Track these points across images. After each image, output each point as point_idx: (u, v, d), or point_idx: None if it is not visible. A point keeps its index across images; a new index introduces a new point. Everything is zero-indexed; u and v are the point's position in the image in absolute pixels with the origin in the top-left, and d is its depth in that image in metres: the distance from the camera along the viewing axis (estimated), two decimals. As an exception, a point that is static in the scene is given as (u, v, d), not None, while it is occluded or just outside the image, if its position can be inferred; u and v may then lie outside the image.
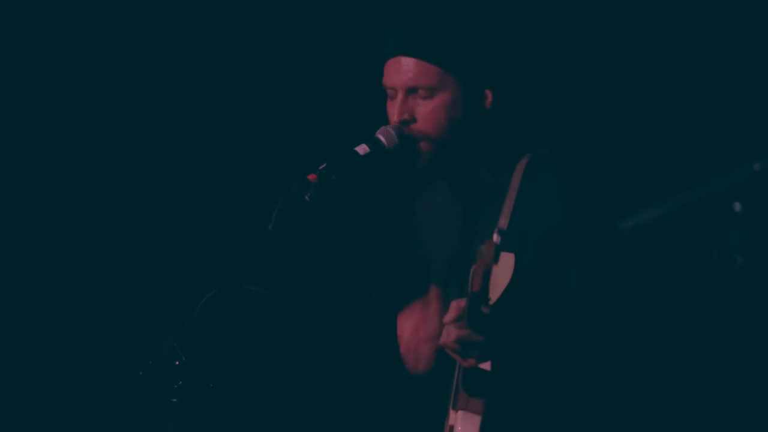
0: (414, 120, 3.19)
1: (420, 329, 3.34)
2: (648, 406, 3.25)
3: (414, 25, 3.20)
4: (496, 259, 2.85)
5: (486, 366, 3.03)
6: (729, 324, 4.14)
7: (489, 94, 3.20)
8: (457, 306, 2.95)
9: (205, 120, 4.77)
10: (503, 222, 3.14)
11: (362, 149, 3.16)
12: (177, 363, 2.98)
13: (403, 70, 3.17)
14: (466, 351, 2.93)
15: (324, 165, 3.13)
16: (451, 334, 2.92)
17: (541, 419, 3.11)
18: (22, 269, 4.78)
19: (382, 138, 3.17)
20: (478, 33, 3.20)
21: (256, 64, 4.79)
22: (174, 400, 2.99)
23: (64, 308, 4.78)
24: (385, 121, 3.23)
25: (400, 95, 3.19)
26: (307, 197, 3.09)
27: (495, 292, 2.96)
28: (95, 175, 4.77)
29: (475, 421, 3.03)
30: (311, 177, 3.11)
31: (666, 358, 4.21)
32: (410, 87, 3.18)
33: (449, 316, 2.95)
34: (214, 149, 4.78)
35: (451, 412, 3.11)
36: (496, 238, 2.84)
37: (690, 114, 4.32)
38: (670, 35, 4.33)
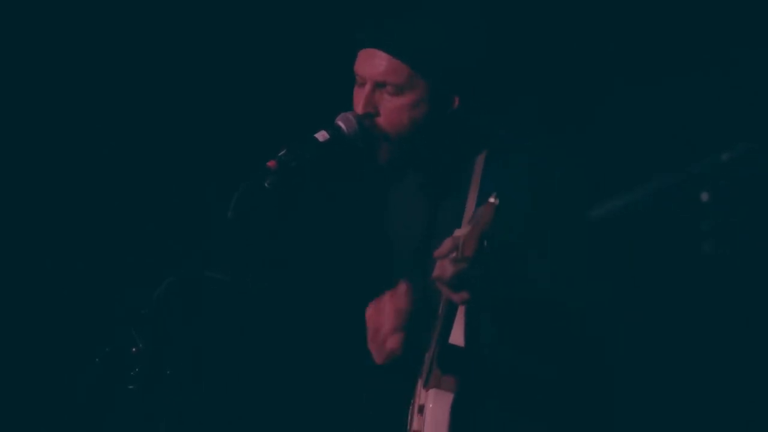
0: (377, 114, 3.19)
1: (389, 322, 3.31)
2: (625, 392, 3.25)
3: (395, 21, 3.20)
4: (495, 222, 2.78)
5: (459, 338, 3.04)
6: (698, 310, 4.14)
7: (457, 99, 3.19)
8: (451, 241, 2.86)
9: (165, 107, 4.74)
10: (471, 205, 3.14)
11: (322, 136, 3.17)
12: (134, 350, 2.98)
13: (375, 62, 3.18)
14: (460, 284, 2.85)
15: (283, 151, 3.13)
16: (447, 269, 2.85)
17: (514, 396, 3.12)
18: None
19: (341, 124, 3.18)
20: (457, 42, 3.19)
21: (217, 53, 4.76)
22: (130, 387, 2.99)
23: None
24: (347, 107, 3.23)
25: (367, 87, 3.20)
26: (266, 184, 3.09)
27: None
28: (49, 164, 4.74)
29: (447, 398, 3.05)
30: (271, 164, 3.11)
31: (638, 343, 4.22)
32: (379, 81, 3.18)
33: (442, 250, 2.88)
34: (174, 136, 4.76)
35: (423, 392, 3.13)
36: (494, 199, 2.79)
37: (658, 102, 4.32)
38: (639, 23, 4.32)
